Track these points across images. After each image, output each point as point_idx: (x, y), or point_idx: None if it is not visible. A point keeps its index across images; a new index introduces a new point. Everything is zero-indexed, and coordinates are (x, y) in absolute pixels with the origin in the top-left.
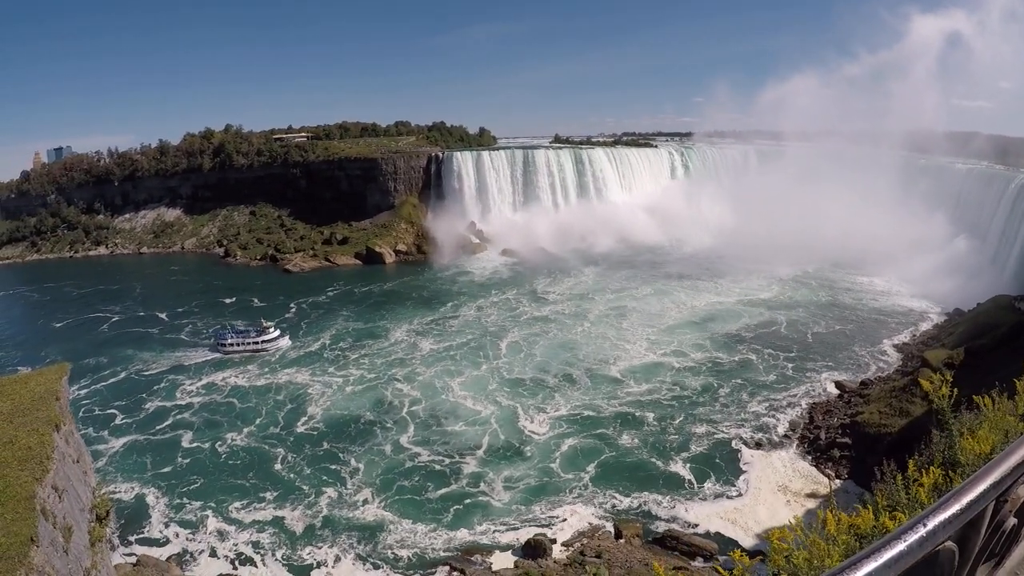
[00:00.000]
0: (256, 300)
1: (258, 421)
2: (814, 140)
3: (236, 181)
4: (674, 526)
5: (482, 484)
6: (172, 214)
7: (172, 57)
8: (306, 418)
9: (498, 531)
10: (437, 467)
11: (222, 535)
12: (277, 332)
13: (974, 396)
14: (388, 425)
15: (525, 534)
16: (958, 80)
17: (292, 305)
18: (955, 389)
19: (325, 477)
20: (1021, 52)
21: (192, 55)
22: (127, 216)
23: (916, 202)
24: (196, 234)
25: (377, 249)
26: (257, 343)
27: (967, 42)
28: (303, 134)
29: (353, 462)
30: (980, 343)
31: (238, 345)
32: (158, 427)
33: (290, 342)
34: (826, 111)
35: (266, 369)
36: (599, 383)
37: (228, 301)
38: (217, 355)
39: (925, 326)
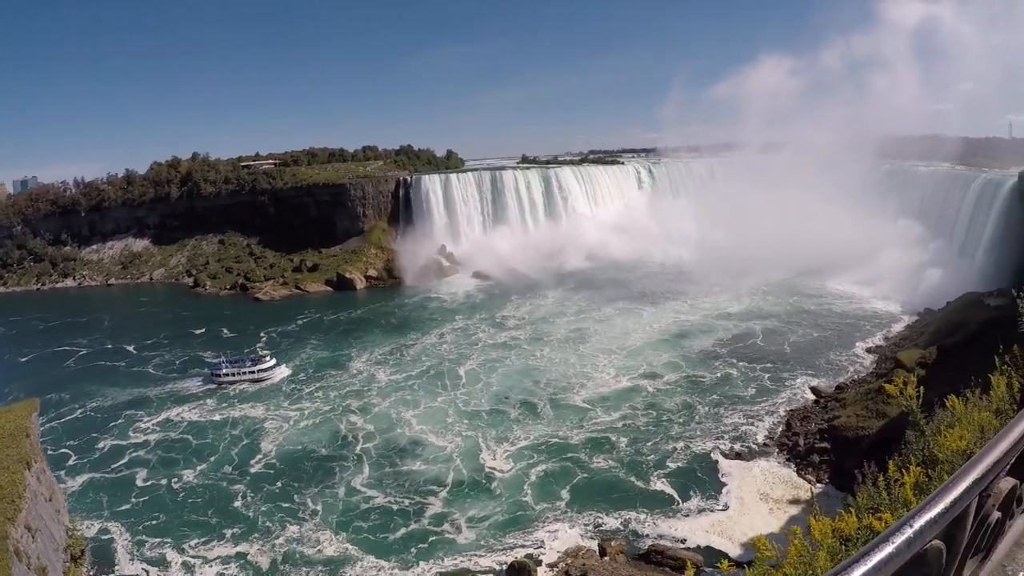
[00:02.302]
0: (226, 330)
1: (213, 458)
2: (779, 150)
3: (204, 210)
4: (660, 542)
5: (445, 524)
6: (140, 244)
7: (138, 85)
8: (261, 456)
9: (479, 556)
10: (396, 508)
11: (189, 570)
12: (273, 361)
13: (950, 394)
14: (345, 463)
15: (507, 558)
16: (921, 84)
17: (263, 334)
18: (922, 388)
19: (284, 515)
20: (979, 54)
21: (158, 82)
22: (94, 247)
23: (882, 206)
24: (165, 264)
25: (347, 275)
26: (253, 372)
27: (932, 46)
28: (271, 161)
29: (310, 502)
30: (952, 341)
31: (234, 376)
32: (114, 464)
33: (288, 371)
34: (790, 121)
35: (224, 403)
36: (564, 411)
37: (198, 332)
38: (211, 386)
39: (897, 327)
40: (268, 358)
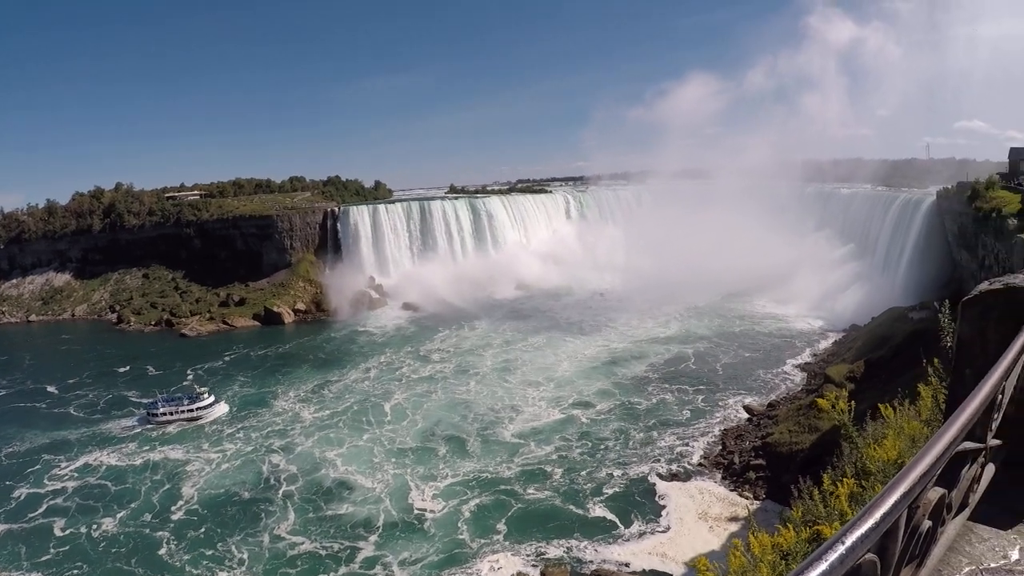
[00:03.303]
0: (151, 368)
1: (134, 504)
2: (704, 175)
3: (128, 242)
4: (603, 566)
5: (377, 568)
6: (61, 279)
7: (59, 112)
8: (183, 501)
9: None
10: (325, 553)
11: None
12: (212, 398)
13: (879, 405)
14: (270, 507)
15: None
16: (843, 109)
17: (189, 372)
18: (853, 402)
19: (209, 563)
20: (899, 80)
21: (80, 109)
22: (14, 281)
23: (807, 227)
24: (87, 299)
25: (275, 309)
26: (192, 411)
27: (855, 71)
28: (196, 192)
29: (235, 550)
30: (879, 354)
31: (171, 414)
32: (31, 513)
33: (227, 407)
34: (716, 146)
35: (145, 446)
36: (494, 446)
37: (122, 370)
38: (148, 427)
39: (825, 344)
40: (206, 395)
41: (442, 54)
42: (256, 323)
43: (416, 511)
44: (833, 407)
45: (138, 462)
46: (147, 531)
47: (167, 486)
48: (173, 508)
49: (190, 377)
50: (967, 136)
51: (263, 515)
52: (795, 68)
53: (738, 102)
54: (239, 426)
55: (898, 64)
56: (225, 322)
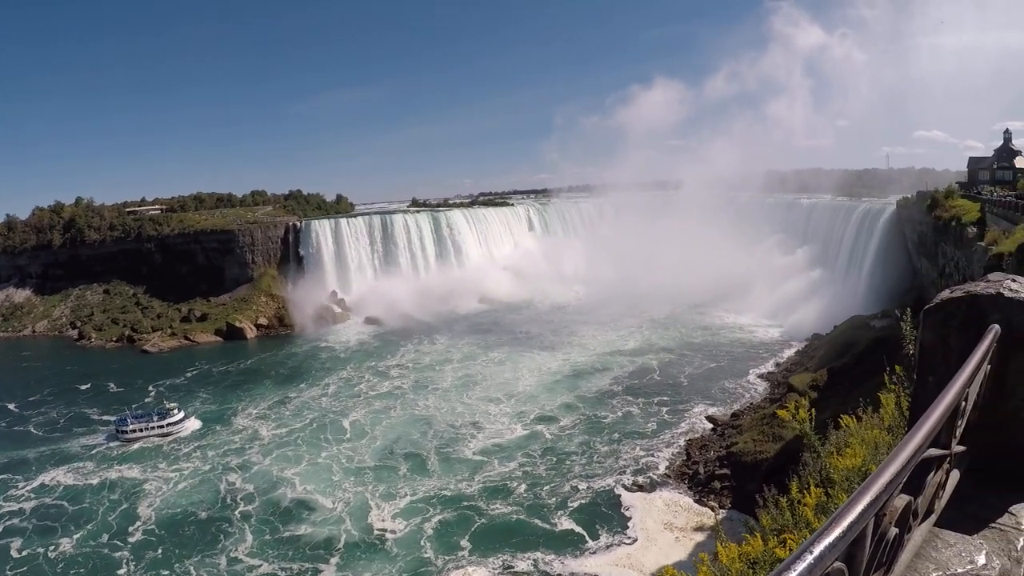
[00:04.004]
0: (113, 385)
1: (92, 525)
2: (666, 187)
3: (88, 258)
4: None
5: None
6: (21, 295)
7: (18, 127)
8: (140, 521)
9: None
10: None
11: None
12: (182, 414)
13: (843, 414)
14: (228, 527)
15: None
16: (802, 122)
17: (151, 389)
18: (813, 411)
19: None
20: (856, 92)
21: (40, 125)
22: None
23: (768, 237)
24: (48, 316)
25: (237, 324)
26: (162, 427)
27: (817, 83)
28: (157, 206)
29: (193, 572)
30: (841, 362)
31: (141, 431)
32: None
33: (198, 423)
34: (677, 157)
35: (103, 465)
36: (455, 464)
37: (83, 387)
38: (116, 443)
39: (788, 353)
40: (176, 411)
41: (404, 67)
42: (218, 339)
43: (377, 530)
44: (793, 417)
45: (95, 481)
46: (105, 551)
47: (125, 506)
48: (131, 529)
49: (152, 394)
50: (926, 146)
51: (221, 536)
52: (757, 80)
53: (700, 114)
54: (196, 444)
55: (859, 75)
56: (187, 338)
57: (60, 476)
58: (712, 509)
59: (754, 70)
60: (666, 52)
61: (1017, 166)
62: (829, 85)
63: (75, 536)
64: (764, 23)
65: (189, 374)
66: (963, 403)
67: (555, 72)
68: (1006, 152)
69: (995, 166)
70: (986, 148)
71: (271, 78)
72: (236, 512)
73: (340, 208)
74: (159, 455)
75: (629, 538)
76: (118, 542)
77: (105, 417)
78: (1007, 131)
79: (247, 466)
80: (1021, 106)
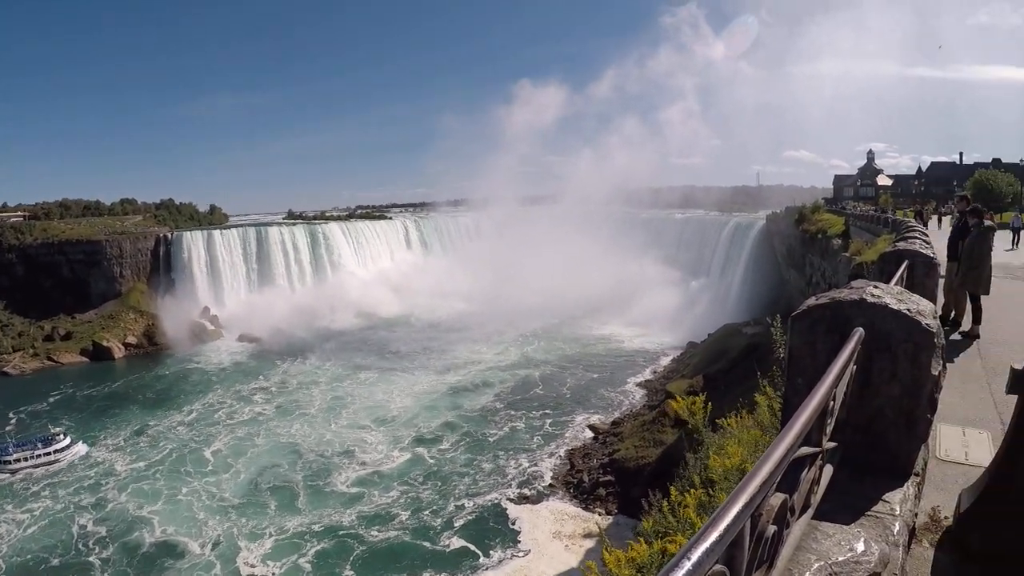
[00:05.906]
0: None
1: None
2: (543, 202)
3: None
4: None
5: None
6: None
7: None
8: None
9: None
10: None
11: None
12: (68, 439)
13: (719, 417)
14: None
15: None
16: (675, 141)
17: (12, 416)
18: (710, 404)
19: None
20: (730, 115)
21: None
22: None
23: (643, 251)
24: None
25: (104, 344)
26: (49, 454)
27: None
28: (20, 212)
29: None
30: (716, 368)
31: (25, 460)
32: None
33: (86, 447)
34: (554, 172)
35: None
36: (327, 497)
37: None
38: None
39: (664, 361)
40: (61, 436)
41: (282, 78)
42: (84, 359)
43: (249, 574)
44: (689, 411)
45: None
46: None
47: None
48: None
49: (13, 421)
50: (795, 164)
51: None
52: (637, 98)
53: (578, 129)
54: (47, 482)
55: (734, 98)
56: (50, 358)
57: None
58: (599, 515)
59: (637, 85)
60: (547, 70)
61: (879, 183)
62: (707, 106)
63: None
64: (644, 45)
65: (52, 399)
66: (831, 402)
67: (434, 84)
68: (869, 171)
69: (859, 183)
70: (851, 167)
71: (143, 81)
72: (91, 557)
73: (214, 219)
74: (9, 494)
75: (521, 551)
76: None
77: (6, 444)
78: (870, 151)
79: (101, 504)
80: (884, 129)
